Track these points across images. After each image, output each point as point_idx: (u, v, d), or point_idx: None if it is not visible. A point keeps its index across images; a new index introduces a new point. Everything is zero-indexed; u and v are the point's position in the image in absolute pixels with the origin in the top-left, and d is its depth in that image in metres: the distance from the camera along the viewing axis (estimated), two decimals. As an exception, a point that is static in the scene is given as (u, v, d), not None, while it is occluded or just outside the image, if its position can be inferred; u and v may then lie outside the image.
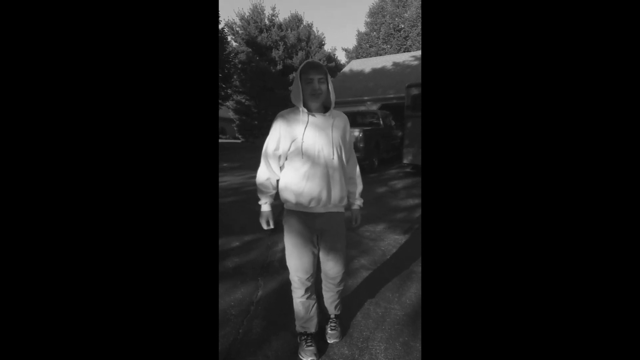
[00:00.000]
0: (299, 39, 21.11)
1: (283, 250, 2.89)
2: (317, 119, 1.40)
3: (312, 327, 1.60)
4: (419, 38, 21.90)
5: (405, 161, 6.94)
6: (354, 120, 8.26)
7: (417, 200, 4.73)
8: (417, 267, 2.57)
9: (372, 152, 7.05)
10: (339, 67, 22.80)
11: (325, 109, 1.45)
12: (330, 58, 23.08)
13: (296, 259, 1.50)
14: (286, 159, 1.42)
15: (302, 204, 1.43)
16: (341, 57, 27.59)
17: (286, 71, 20.03)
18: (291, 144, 1.38)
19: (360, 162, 6.80)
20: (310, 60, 1.37)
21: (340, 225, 1.54)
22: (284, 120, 1.40)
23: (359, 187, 1.63)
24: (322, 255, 1.56)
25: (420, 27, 22.18)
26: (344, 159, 1.49)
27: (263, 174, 1.48)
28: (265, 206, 1.52)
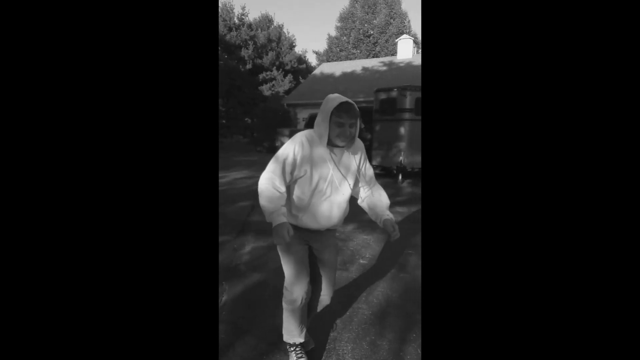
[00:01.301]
0: (269, 39, 20.94)
1: (250, 252, 2.83)
2: (338, 155, 1.37)
3: (302, 337, 1.52)
4: (387, 45, 22.50)
5: (374, 163, 7.06)
6: (324, 122, 8.27)
7: (385, 202, 4.80)
8: (385, 266, 2.60)
9: (341, 154, 7.09)
10: (309, 69, 22.86)
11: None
12: (301, 60, 23.11)
13: (303, 276, 1.42)
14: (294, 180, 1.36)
15: (300, 224, 1.41)
16: (312, 59, 27.70)
17: (255, 70, 19.78)
18: (306, 172, 1.32)
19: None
20: (346, 101, 1.28)
21: (333, 238, 1.54)
22: (307, 146, 1.32)
23: (386, 202, 1.52)
24: (320, 268, 1.52)
25: (388, 35, 22.79)
26: (362, 184, 1.49)
27: (274, 188, 1.31)
28: (282, 217, 1.30)
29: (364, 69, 15.60)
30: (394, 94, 6.65)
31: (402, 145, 6.48)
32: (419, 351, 1.65)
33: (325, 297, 1.55)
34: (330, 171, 1.34)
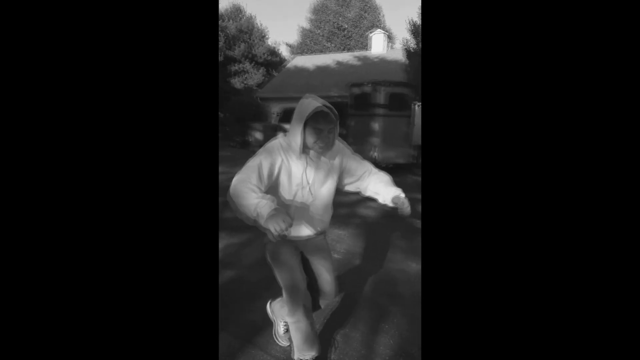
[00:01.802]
0: (241, 30, 20.42)
1: (223, 250, 2.79)
2: (315, 160, 1.31)
3: (315, 350, 1.41)
4: (361, 39, 22.63)
5: (347, 158, 7.13)
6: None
7: (360, 196, 4.88)
8: (358, 261, 2.66)
9: (315, 149, 7.11)
10: (282, 62, 22.58)
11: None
12: (274, 52, 22.75)
13: (300, 286, 1.35)
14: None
15: (287, 234, 1.36)
16: (285, 52, 27.34)
17: (226, 62, 19.26)
18: (283, 182, 1.27)
19: (304, 158, 6.83)
20: (320, 106, 1.18)
21: (323, 241, 1.51)
22: (282, 155, 1.26)
23: (386, 180, 1.45)
24: (316, 273, 1.47)
25: (362, 29, 22.92)
26: (355, 179, 1.46)
27: (250, 190, 1.14)
28: (270, 204, 1.08)
29: (338, 63, 15.62)
30: (368, 89, 6.73)
31: (376, 140, 6.59)
32: (391, 342, 1.71)
33: (328, 297, 1.49)
34: (308, 178, 1.30)
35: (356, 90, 7.03)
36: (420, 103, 7.19)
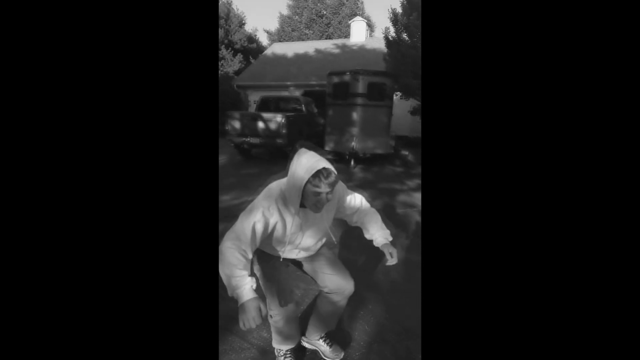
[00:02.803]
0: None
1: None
2: (309, 214, 1.27)
3: (293, 343, 1.44)
4: (341, 26, 22.41)
5: (327, 148, 7.13)
6: (277, 105, 8.14)
7: (338, 186, 4.92)
8: (337, 250, 2.70)
9: (295, 139, 7.07)
10: (260, 49, 22.06)
11: None
12: (252, 39, 22.17)
13: (280, 280, 1.35)
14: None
15: (282, 255, 1.37)
16: (263, 38, 26.70)
17: (203, 49, 18.54)
18: (278, 230, 1.25)
19: (283, 148, 6.78)
20: (326, 167, 1.12)
21: (327, 252, 1.49)
22: (276, 214, 1.21)
23: (384, 232, 1.43)
24: (322, 275, 1.45)
25: (341, 16, 22.66)
26: (348, 214, 1.44)
27: (239, 254, 1.11)
28: (250, 291, 1.07)
29: (317, 50, 15.43)
30: (347, 77, 6.71)
31: (355, 130, 6.61)
32: (367, 327, 1.76)
33: (339, 292, 1.44)
34: (303, 230, 1.30)
35: (335, 79, 7.00)
36: (400, 93, 7.27)
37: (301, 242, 1.35)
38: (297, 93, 11.51)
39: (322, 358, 1.53)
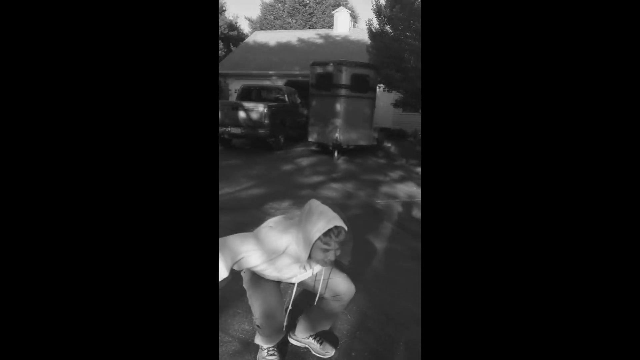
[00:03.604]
0: (197, 0, 19.03)
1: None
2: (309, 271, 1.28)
3: (277, 340, 1.41)
4: (324, 16, 22.15)
5: (310, 139, 7.10)
6: (259, 94, 8.01)
7: (322, 177, 4.92)
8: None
9: (277, 129, 6.99)
10: (241, 37, 21.54)
11: None
12: (232, 26, 21.61)
13: (278, 313, 1.32)
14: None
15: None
16: (244, 26, 26.04)
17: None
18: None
19: (266, 139, 6.70)
20: (337, 225, 1.11)
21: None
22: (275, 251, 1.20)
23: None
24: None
25: (325, 6, 22.37)
26: None
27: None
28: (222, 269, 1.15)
29: (300, 40, 15.22)
30: (330, 68, 6.66)
31: (338, 121, 6.60)
32: (349, 317, 1.78)
33: (341, 298, 1.41)
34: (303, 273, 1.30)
35: (318, 70, 6.93)
36: (383, 85, 7.28)
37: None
38: (280, 83, 11.35)
39: (312, 355, 1.52)
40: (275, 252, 1.21)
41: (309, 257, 1.17)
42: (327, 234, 1.10)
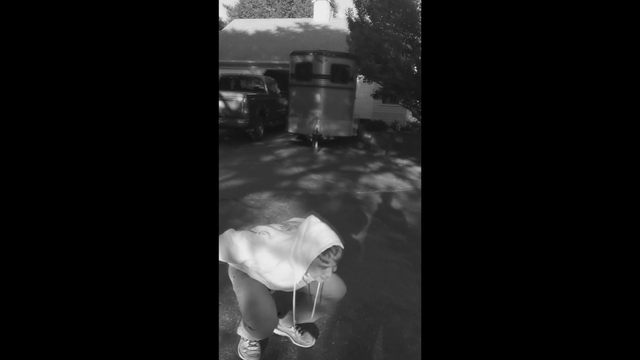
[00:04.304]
0: (171, -16, 18.24)
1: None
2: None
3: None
4: (304, 5, 21.79)
5: (290, 130, 7.03)
6: (237, 84, 7.83)
7: (302, 169, 4.90)
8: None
9: (257, 120, 6.87)
10: (220, 25, 20.88)
11: None
12: (210, 13, 20.84)
13: (268, 312, 1.29)
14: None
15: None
16: (222, 14, 25.26)
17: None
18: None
19: (245, 129, 6.57)
20: (336, 245, 1.12)
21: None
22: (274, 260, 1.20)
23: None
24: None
25: (304, -6, 21.99)
26: None
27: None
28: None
29: (279, 29, 14.93)
30: (310, 58, 6.58)
31: (318, 112, 6.56)
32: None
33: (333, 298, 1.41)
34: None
35: (298, 59, 6.83)
36: (362, 76, 7.27)
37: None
38: (259, 72, 11.13)
39: (293, 344, 1.52)
40: (268, 267, 1.22)
41: (306, 273, 1.18)
42: (326, 252, 1.12)
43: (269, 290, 1.36)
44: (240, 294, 1.32)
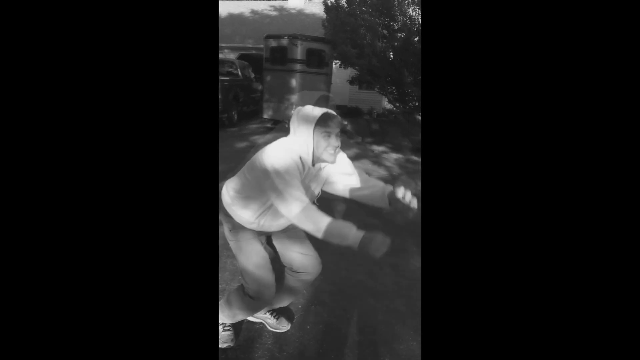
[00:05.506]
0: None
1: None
2: (314, 170, 1.23)
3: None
4: (278, -13, 21.13)
5: (265, 116, 6.90)
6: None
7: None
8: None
9: (230, 105, 6.67)
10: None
11: None
12: (179, -8, 19.81)
13: (269, 277, 1.27)
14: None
15: (257, 229, 1.28)
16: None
17: None
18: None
19: (218, 115, 6.38)
20: (328, 111, 1.16)
21: (300, 230, 1.34)
22: (294, 167, 1.14)
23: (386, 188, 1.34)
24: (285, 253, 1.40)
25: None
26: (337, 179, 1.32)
27: (314, 210, 1.17)
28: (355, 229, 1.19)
29: (253, 11, 14.46)
30: (285, 42, 6.42)
31: (294, 98, 6.46)
32: (304, 291, 1.79)
33: (308, 273, 1.41)
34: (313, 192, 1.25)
35: (273, 43, 6.65)
36: (338, 61, 7.19)
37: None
38: (232, 56, 10.77)
39: (268, 330, 1.52)
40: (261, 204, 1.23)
41: (315, 156, 1.17)
42: (322, 120, 1.13)
43: (267, 253, 1.33)
44: (242, 257, 1.28)
